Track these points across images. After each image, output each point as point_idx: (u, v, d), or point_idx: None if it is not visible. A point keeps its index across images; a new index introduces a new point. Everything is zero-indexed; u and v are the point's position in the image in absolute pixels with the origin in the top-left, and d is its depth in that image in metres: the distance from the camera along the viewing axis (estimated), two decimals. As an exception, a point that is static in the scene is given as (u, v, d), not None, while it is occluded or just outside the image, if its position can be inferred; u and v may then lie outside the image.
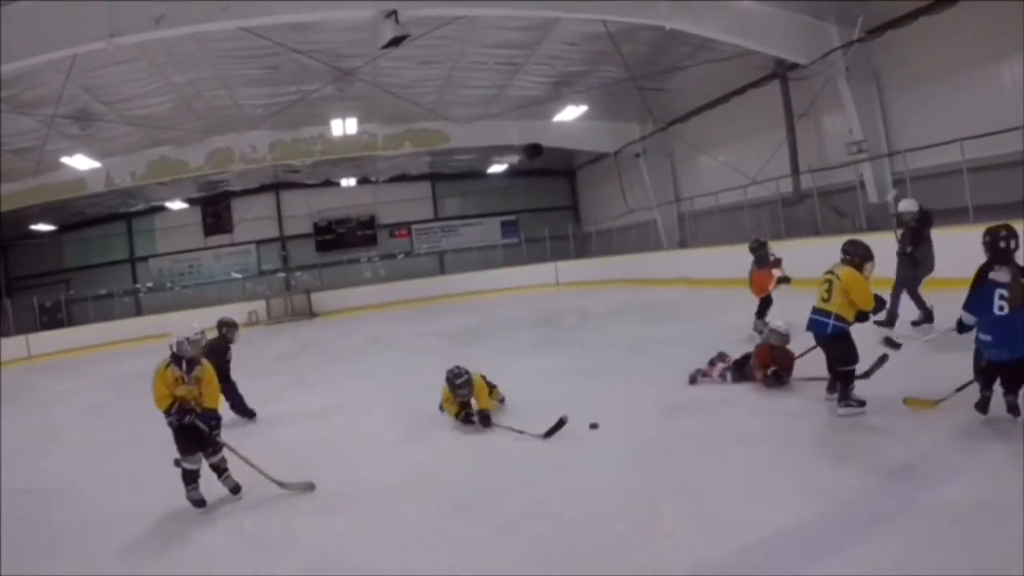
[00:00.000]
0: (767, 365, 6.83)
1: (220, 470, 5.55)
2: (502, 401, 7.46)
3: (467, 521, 4.63)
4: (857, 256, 5.74)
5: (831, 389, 5.96)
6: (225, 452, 5.57)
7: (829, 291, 5.70)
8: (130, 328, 22.65)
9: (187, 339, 5.43)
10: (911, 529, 3.74)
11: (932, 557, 3.41)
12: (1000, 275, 4.73)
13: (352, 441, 7.04)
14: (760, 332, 8.95)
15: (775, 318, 7.11)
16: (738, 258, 16.59)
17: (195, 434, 5.41)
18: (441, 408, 7.31)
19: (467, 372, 6.90)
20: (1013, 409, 4.81)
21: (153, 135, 17.87)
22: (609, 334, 12.42)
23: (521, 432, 6.33)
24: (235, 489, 5.52)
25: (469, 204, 30.49)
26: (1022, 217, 9.58)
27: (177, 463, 5.46)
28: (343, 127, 18.18)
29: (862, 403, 5.59)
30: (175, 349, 5.43)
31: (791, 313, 7.17)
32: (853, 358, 5.63)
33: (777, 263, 10.10)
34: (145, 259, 28.28)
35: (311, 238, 28.87)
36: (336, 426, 7.77)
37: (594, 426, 6.14)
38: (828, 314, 5.67)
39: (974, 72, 12.28)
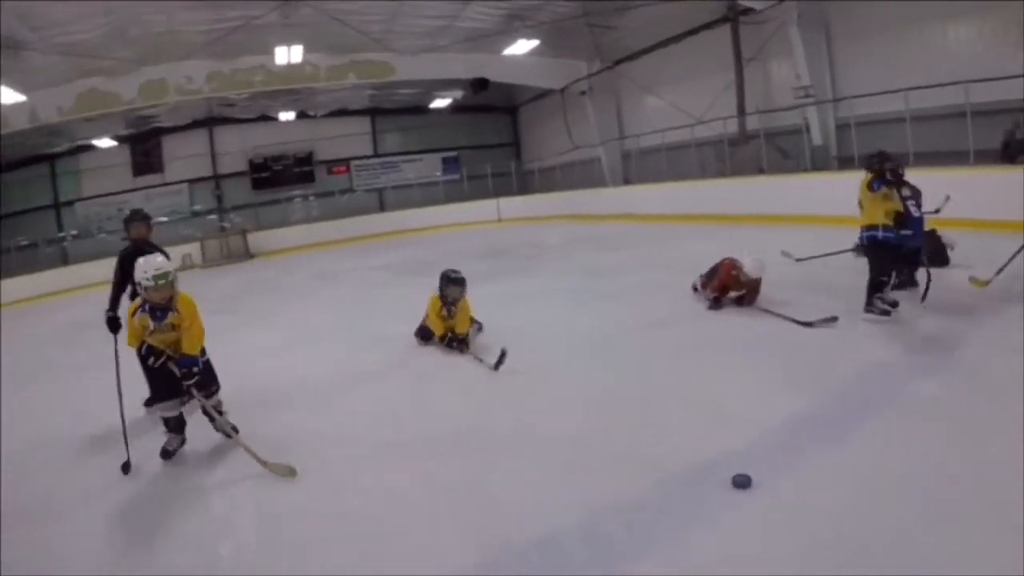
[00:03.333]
0: (727, 286, 7.30)
1: (211, 416, 5.08)
2: (479, 329, 7.51)
3: (458, 445, 4.65)
4: (874, 162, 6.40)
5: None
6: (219, 396, 5.21)
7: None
8: (57, 279, 21.20)
9: (140, 285, 4.70)
10: (891, 417, 4.21)
11: (913, 442, 3.86)
12: (905, 191, 6.39)
13: (319, 374, 6.89)
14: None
15: (748, 252, 7.38)
16: (683, 194, 17.22)
17: (168, 377, 4.87)
18: (418, 335, 7.35)
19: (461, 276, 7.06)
20: (912, 281, 6.81)
21: (83, 65, 16.75)
22: (568, 262, 12.68)
23: (481, 360, 6.43)
24: (234, 430, 5.01)
25: (410, 140, 29.82)
26: (957, 164, 10.72)
27: (148, 403, 5.13)
28: (288, 55, 17.44)
29: (886, 312, 6.14)
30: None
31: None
32: (881, 269, 6.24)
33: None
34: (71, 203, 26.41)
35: (246, 176, 27.74)
36: (299, 360, 7.56)
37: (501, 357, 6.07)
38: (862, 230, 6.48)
39: (920, 29, 12.82)
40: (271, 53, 17.52)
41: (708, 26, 17.00)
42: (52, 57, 15.50)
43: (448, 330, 6.97)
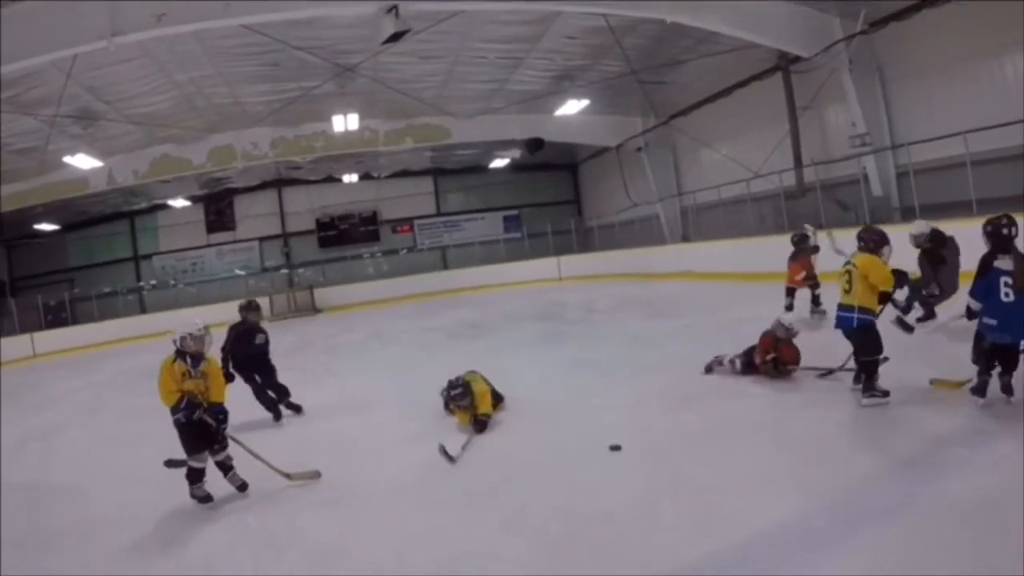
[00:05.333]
0: (768, 352, 6.87)
1: (226, 467, 5.55)
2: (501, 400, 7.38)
3: (470, 516, 4.66)
4: (872, 242, 5.80)
5: (857, 380, 5.99)
6: (230, 450, 5.57)
7: (850, 282, 5.77)
8: (134, 326, 22.68)
9: (190, 335, 5.45)
10: (913, 523, 3.74)
11: (933, 552, 3.41)
12: (1004, 263, 5.00)
13: (356, 437, 7.04)
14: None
15: (785, 313, 7.06)
16: (741, 251, 16.82)
17: (202, 431, 5.40)
18: (446, 406, 7.26)
19: (462, 383, 6.86)
20: (1007, 389, 5.09)
21: (155, 133, 17.87)
22: (613, 328, 12.38)
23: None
24: (242, 487, 5.53)
25: (471, 199, 30.46)
26: (1024, 209, 9.70)
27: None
28: (344, 123, 18.11)
29: (886, 393, 5.61)
30: (179, 345, 5.46)
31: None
32: (878, 349, 5.67)
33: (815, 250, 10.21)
34: (148, 257, 28.26)
35: (314, 234, 28.86)
36: (340, 422, 7.76)
37: (615, 448, 5.48)
38: (852, 308, 5.74)
39: (977, 65, 12.14)
40: (330, 120, 18.27)
41: (759, 76, 16.79)
42: (126, 126, 16.54)
43: (472, 414, 6.81)
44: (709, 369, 7.56)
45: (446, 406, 7.27)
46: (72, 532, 5.13)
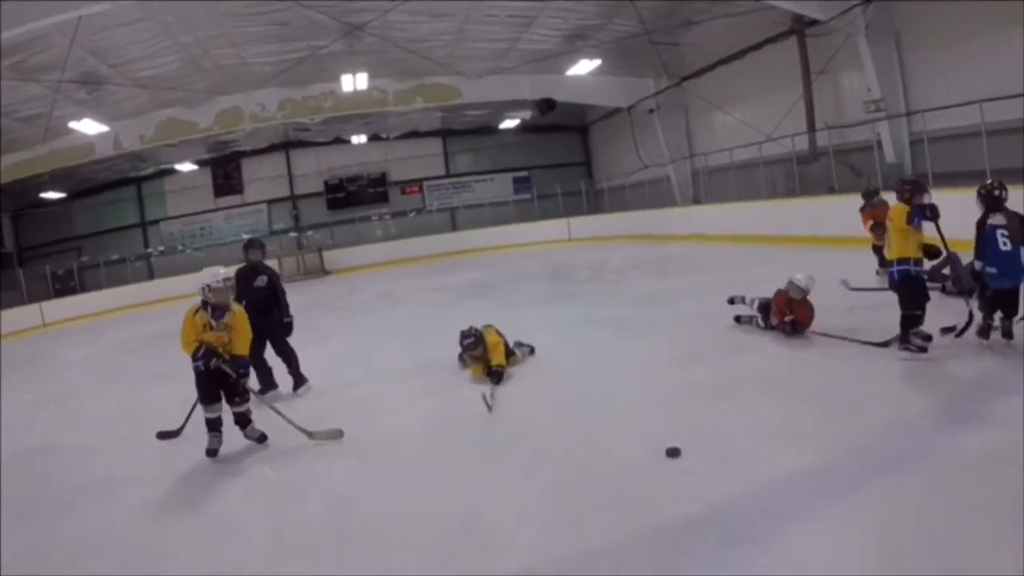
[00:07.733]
0: (784, 313, 6.93)
1: (245, 420, 5.63)
2: (532, 352, 7.60)
3: (486, 465, 4.73)
4: (906, 192, 5.86)
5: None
6: (250, 404, 5.66)
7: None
8: (143, 292, 22.74)
9: (209, 286, 5.46)
10: (925, 473, 3.79)
11: (945, 500, 3.48)
12: (997, 219, 5.59)
13: (369, 391, 7.12)
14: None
15: (797, 270, 7.03)
16: (751, 214, 16.67)
17: (219, 381, 5.49)
18: (460, 358, 7.40)
19: (475, 332, 7.00)
20: (1007, 333, 5.61)
21: (161, 96, 17.70)
22: (624, 287, 12.45)
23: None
24: (261, 438, 5.65)
25: (481, 160, 30.23)
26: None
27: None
28: (353, 83, 17.90)
29: (922, 348, 5.72)
30: (202, 296, 5.52)
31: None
32: (913, 304, 5.78)
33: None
34: (156, 223, 28.17)
35: (322, 197, 28.70)
36: (352, 378, 7.83)
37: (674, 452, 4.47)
38: (891, 264, 5.93)
39: (996, 35, 11.83)
40: (339, 80, 18.07)
41: (774, 39, 16.41)
42: (131, 90, 16.41)
43: (486, 366, 6.90)
44: (732, 301, 7.86)
45: (460, 359, 7.40)
46: (90, 490, 5.16)
